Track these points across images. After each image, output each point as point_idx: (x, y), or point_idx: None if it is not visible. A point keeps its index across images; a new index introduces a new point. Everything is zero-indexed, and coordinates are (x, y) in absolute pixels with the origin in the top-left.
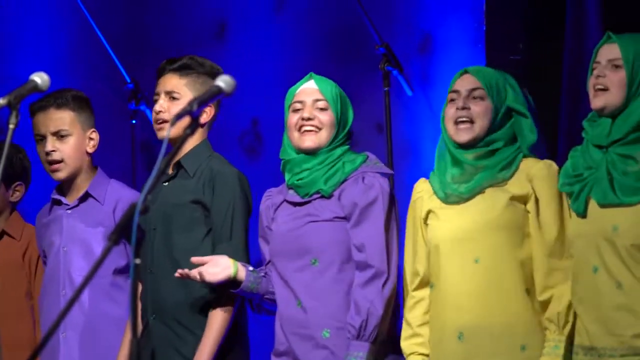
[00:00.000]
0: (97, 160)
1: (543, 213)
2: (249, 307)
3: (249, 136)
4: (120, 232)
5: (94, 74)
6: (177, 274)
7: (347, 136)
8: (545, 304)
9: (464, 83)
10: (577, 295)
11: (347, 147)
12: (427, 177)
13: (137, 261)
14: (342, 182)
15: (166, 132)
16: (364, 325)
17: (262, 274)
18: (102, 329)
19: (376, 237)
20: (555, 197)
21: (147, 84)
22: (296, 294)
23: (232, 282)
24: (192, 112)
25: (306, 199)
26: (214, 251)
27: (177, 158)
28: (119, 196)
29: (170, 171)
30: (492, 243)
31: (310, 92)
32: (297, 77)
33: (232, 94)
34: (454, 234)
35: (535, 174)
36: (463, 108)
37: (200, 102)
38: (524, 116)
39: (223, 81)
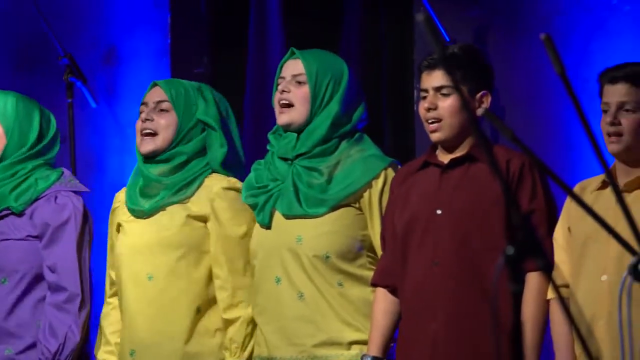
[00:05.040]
0: None
1: (219, 233)
2: None
3: None
4: None
5: None
6: None
7: (36, 152)
8: (229, 323)
9: (153, 95)
10: (258, 306)
11: (40, 162)
12: (119, 190)
13: None
14: (35, 200)
15: None
16: (60, 349)
17: None
18: None
19: (69, 259)
20: (233, 217)
21: None
22: None
23: None
24: None
25: None
26: None
27: None
28: None
29: None
30: (166, 261)
31: None
32: None
33: None
34: (130, 249)
35: (217, 193)
36: (146, 120)
37: None
38: (213, 129)
39: None
